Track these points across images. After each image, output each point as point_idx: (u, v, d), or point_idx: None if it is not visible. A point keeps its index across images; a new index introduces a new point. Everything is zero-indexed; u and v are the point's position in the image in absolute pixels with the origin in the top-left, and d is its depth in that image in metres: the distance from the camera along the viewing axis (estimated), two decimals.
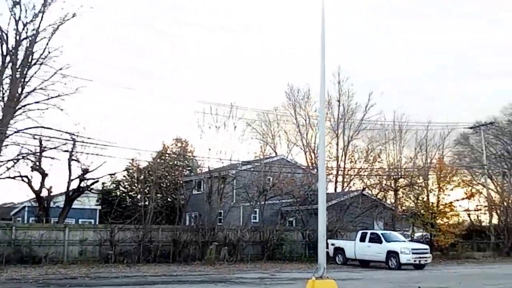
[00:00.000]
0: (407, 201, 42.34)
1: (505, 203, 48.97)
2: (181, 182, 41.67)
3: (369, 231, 33.07)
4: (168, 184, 44.57)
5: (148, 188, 36.96)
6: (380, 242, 31.38)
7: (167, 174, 43.54)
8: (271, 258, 33.76)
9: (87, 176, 29.91)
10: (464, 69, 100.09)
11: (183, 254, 31.40)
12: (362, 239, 32.50)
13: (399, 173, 41.18)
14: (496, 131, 68.89)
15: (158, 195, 38.06)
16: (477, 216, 55.17)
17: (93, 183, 29.45)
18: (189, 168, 47.69)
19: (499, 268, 33.23)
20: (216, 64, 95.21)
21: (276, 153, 50.38)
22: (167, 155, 45.82)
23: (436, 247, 39.57)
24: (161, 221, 34.01)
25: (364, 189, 40.27)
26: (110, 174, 29.88)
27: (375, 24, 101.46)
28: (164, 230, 32.23)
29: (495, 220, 50.19)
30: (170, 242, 31.44)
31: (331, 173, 42.66)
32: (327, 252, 33.80)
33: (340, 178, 48.52)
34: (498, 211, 49.56)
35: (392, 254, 30.50)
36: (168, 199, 43.74)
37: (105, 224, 31.32)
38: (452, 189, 41.49)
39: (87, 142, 28.24)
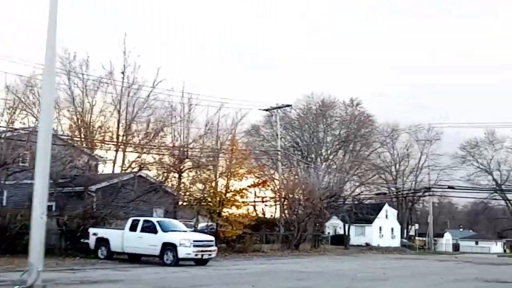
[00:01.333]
0: (193, 186, 36.35)
1: (292, 195, 45.79)
2: None
3: (142, 219, 26.14)
4: None
5: None
6: (155, 232, 24.77)
7: None
8: (11, 252, 25.19)
9: None
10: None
11: None
12: (133, 228, 25.62)
13: (185, 153, 35.01)
14: (286, 123, 67.44)
15: None
16: (262, 209, 52.71)
17: None
18: None
19: (294, 264, 28.76)
20: None
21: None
22: None
23: (222, 238, 34.30)
24: None
25: (140, 168, 33.17)
26: None
27: None
28: None
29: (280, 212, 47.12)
30: None
31: (100, 146, 34.87)
32: (87, 244, 26.66)
33: (123, 160, 41.29)
34: (286, 203, 46.43)
35: (168, 246, 24.03)
36: None
37: None
38: (242, 175, 36.65)
39: None
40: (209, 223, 37.07)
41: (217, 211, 34.94)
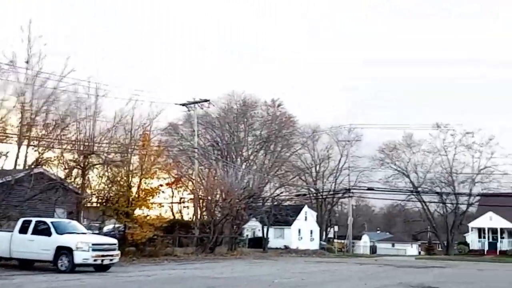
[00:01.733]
0: (101, 184, 33.20)
1: (210, 197, 43.46)
2: None
3: (34, 219, 22.97)
4: None
5: None
6: (49, 234, 21.80)
7: None
8: None
9: None
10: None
11: None
12: (23, 230, 22.53)
13: (91, 148, 31.86)
14: (207, 122, 65.17)
15: None
16: (180, 210, 50.46)
17: None
18: None
19: (208, 268, 26.34)
20: None
21: None
22: None
23: (131, 241, 31.49)
24: None
25: (37, 164, 29.69)
26: None
27: None
28: None
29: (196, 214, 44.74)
30: None
31: None
32: None
33: (26, 156, 37.41)
34: (203, 204, 44.12)
35: (63, 251, 21.17)
36: None
37: None
38: (154, 173, 33.98)
39: None
40: (117, 225, 34.04)
41: (126, 211, 32.06)
